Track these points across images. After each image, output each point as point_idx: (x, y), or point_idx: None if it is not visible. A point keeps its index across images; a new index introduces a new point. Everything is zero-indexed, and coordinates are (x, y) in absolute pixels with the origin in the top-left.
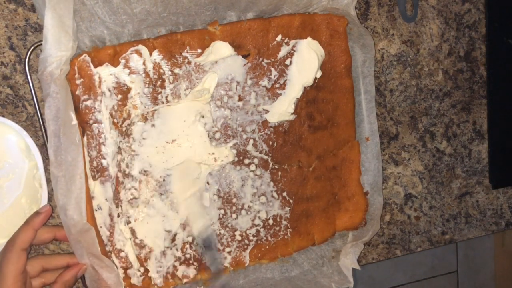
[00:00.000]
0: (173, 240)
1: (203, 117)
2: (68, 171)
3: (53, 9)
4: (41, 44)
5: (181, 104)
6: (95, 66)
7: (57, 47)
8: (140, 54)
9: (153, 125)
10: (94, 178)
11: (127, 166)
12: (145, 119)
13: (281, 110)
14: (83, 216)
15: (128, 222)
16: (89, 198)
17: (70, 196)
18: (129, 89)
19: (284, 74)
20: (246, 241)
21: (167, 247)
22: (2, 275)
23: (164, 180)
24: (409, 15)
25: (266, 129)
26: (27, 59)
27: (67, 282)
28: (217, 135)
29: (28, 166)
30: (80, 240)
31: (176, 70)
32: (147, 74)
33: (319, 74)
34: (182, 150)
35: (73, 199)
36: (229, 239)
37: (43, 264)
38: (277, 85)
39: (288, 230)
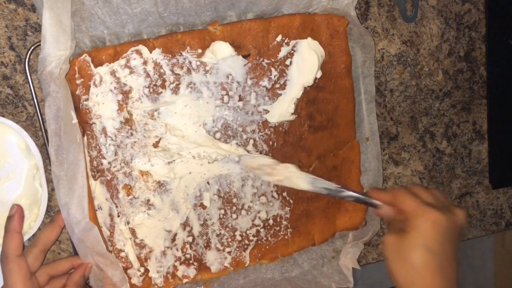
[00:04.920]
0: (173, 240)
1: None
2: (70, 170)
3: (50, 8)
4: (40, 44)
5: (181, 102)
6: (96, 66)
7: (56, 47)
8: (140, 54)
9: (153, 125)
10: (94, 178)
11: (128, 166)
12: (145, 118)
13: (281, 110)
14: (85, 215)
15: (128, 222)
16: (91, 197)
17: (72, 195)
18: (129, 89)
19: (284, 74)
20: (246, 241)
21: (167, 247)
22: (11, 287)
23: (164, 180)
24: (409, 15)
25: (266, 129)
26: (27, 59)
27: (77, 283)
28: (217, 135)
29: (28, 166)
30: (84, 240)
31: (177, 70)
32: (147, 74)
33: (319, 74)
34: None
35: (75, 198)
36: (229, 239)
37: (49, 272)
38: (277, 85)
39: (288, 230)
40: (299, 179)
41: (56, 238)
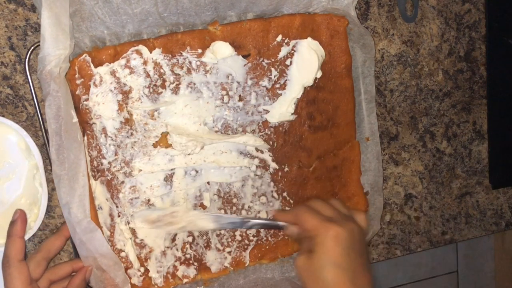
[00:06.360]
0: (173, 240)
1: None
2: (71, 169)
3: (49, 8)
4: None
5: (181, 102)
6: (96, 66)
7: (55, 46)
8: (140, 54)
9: (153, 125)
10: (94, 178)
11: (128, 166)
12: (145, 118)
13: (282, 110)
14: (87, 214)
15: (128, 222)
16: (92, 197)
17: (74, 194)
18: (129, 89)
19: (284, 74)
20: (246, 241)
21: (168, 247)
22: None
23: (165, 180)
24: (409, 15)
25: (266, 129)
26: (27, 59)
27: (78, 286)
28: None
29: (28, 166)
30: (85, 241)
31: (177, 70)
32: (147, 74)
33: (319, 74)
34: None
35: (76, 197)
36: (229, 239)
37: (49, 277)
38: (278, 85)
39: None
40: (202, 221)
41: (60, 247)
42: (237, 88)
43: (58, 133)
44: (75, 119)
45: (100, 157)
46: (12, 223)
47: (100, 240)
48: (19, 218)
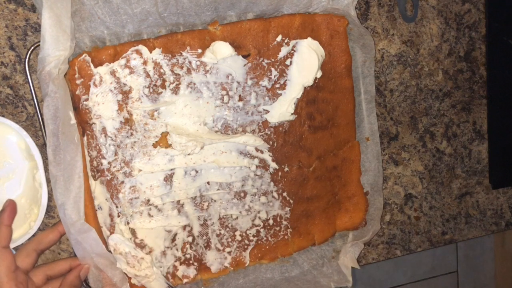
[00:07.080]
0: (173, 240)
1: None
2: (67, 170)
3: (50, 8)
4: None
5: (181, 102)
6: (95, 66)
7: (55, 47)
8: (140, 54)
9: (153, 125)
10: (94, 178)
11: (128, 166)
12: (145, 118)
13: (281, 110)
14: (81, 216)
15: (128, 222)
16: (91, 198)
17: (69, 196)
18: (129, 89)
19: (284, 74)
20: (246, 241)
21: (167, 247)
22: None
23: (165, 180)
24: (409, 15)
25: (266, 129)
26: (27, 59)
27: (72, 283)
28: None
29: (28, 166)
30: (81, 241)
31: (177, 70)
32: (147, 74)
33: (319, 74)
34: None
35: (71, 198)
36: (229, 239)
37: (46, 272)
38: (277, 85)
39: (288, 230)
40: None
41: (52, 241)
42: (237, 88)
43: (55, 134)
44: (73, 121)
45: (100, 157)
46: (1, 212)
47: (95, 240)
48: (8, 207)
